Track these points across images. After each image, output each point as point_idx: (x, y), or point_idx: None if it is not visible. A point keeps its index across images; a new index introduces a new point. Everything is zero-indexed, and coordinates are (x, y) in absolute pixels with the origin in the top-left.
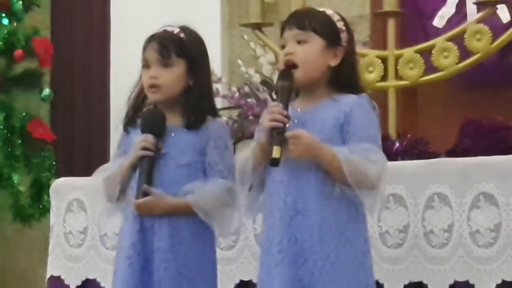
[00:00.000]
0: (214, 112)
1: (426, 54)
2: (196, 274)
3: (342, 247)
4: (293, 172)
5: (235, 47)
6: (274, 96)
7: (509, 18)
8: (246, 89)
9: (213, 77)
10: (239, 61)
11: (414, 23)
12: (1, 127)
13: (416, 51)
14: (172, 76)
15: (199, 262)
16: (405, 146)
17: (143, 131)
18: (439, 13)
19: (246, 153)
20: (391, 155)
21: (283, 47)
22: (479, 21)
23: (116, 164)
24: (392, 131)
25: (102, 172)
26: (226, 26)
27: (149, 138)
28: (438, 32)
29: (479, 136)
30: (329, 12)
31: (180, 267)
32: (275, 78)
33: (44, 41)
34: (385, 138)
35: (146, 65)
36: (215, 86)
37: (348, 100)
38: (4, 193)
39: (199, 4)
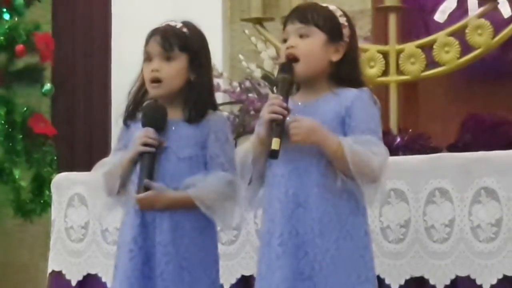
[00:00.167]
0: (215, 107)
1: (427, 49)
2: (198, 267)
3: (343, 240)
4: (294, 165)
5: (236, 42)
6: (275, 89)
7: (510, 13)
8: (247, 84)
9: (214, 72)
10: (240, 56)
11: (416, 18)
12: (2, 122)
13: (418, 46)
14: (174, 70)
15: (200, 255)
16: (406, 141)
17: (144, 125)
18: (441, 8)
19: (246, 146)
20: (393, 150)
21: (285, 41)
22: (481, 16)
23: (116, 158)
24: (393, 126)
25: (102, 167)
26: (227, 21)
27: (151, 133)
28: (439, 27)
29: (481, 131)
30: (331, 7)
31: (182, 260)
32: (276, 73)
33: (45, 36)
34: (387, 133)
35: (148, 58)
36: (216, 81)
37: (349, 93)
38: (5, 188)
39: None
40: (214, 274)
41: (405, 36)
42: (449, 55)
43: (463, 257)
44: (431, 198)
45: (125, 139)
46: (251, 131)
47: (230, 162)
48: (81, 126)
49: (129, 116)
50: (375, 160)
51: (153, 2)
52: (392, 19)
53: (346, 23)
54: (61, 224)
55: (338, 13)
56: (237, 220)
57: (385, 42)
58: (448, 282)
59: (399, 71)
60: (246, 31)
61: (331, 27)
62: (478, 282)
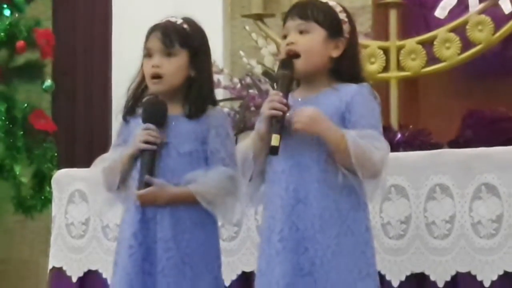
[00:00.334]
0: (214, 103)
1: (428, 45)
2: (200, 263)
3: (343, 236)
4: (294, 161)
5: (236, 38)
6: (275, 86)
7: (511, 9)
8: (248, 80)
9: (215, 68)
10: (241, 52)
11: (416, 14)
12: (3, 118)
13: (418, 42)
14: (174, 66)
15: (202, 251)
16: (407, 137)
17: (144, 121)
18: (441, 4)
19: (246, 143)
20: (393, 146)
21: (285, 37)
22: (481, 12)
23: (116, 154)
24: (394, 122)
25: (102, 162)
26: (227, 17)
27: (152, 130)
28: (440, 23)
29: (481, 127)
30: (331, 3)
31: (183, 256)
32: (276, 69)
33: (46, 32)
34: (387, 129)
35: (148, 54)
36: (217, 77)
37: (349, 89)
38: (6, 184)
39: None
40: (216, 269)
41: (405, 32)
42: (449, 51)
43: (463, 253)
44: (432, 194)
45: (125, 134)
46: (251, 127)
47: (231, 157)
48: (81, 122)
49: (129, 112)
50: (377, 154)
51: None
52: (393, 15)
53: (346, 19)
54: (62, 220)
55: (338, 8)
56: (238, 215)
57: (386, 38)
58: (448, 278)
59: (400, 67)
60: (247, 27)
61: (331, 23)
62: (479, 278)
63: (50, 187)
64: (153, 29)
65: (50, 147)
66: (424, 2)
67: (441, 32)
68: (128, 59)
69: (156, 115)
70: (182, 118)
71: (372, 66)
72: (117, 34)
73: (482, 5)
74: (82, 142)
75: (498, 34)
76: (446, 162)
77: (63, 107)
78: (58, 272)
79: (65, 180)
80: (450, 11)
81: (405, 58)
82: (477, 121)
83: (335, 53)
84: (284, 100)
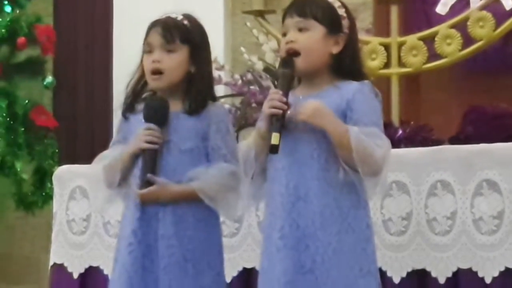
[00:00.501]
0: (214, 100)
1: (429, 41)
2: (202, 259)
3: (344, 233)
4: (295, 158)
5: (237, 34)
6: (276, 84)
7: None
8: (249, 76)
9: (216, 65)
10: (242, 49)
11: (417, 10)
12: (4, 114)
13: (419, 38)
14: (175, 61)
15: (204, 248)
16: (408, 133)
17: (146, 120)
18: (442, 0)
19: (248, 142)
20: (394, 142)
21: (284, 34)
22: (482, 8)
23: (116, 151)
24: (395, 118)
25: (102, 160)
26: (228, 13)
27: (154, 130)
28: (441, 19)
29: (482, 123)
30: None
31: (186, 253)
32: (277, 65)
33: (47, 29)
34: (388, 125)
35: (148, 50)
36: (218, 73)
37: (350, 87)
38: (7, 181)
39: None
40: (219, 266)
41: (407, 28)
42: (451, 47)
43: (465, 249)
44: (433, 190)
45: (124, 131)
46: (252, 124)
47: (232, 153)
48: (82, 118)
49: (128, 108)
50: (379, 151)
51: None
52: (394, 11)
53: (344, 14)
54: (63, 216)
55: (337, 4)
56: (240, 211)
57: (387, 34)
58: (450, 275)
59: (401, 63)
60: (248, 24)
61: (330, 19)
62: (480, 274)
63: (51, 183)
64: (154, 25)
65: (51, 144)
66: None
67: (442, 28)
68: (129, 55)
69: (158, 114)
70: (183, 115)
71: (373, 62)
72: (118, 30)
73: (483, 1)
74: (83, 138)
75: (499, 30)
76: (447, 159)
77: (64, 104)
78: (59, 269)
79: (66, 177)
80: (451, 7)
81: (406, 54)
82: (478, 117)
83: (335, 50)
84: (284, 99)
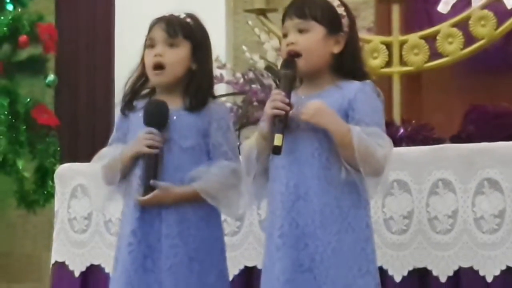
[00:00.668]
0: (214, 98)
1: (430, 40)
2: (206, 257)
3: (344, 233)
4: (295, 157)
5: (239, 33)
6: (278, 84)
7: None
8: (251, 75)
9: (218, 63)
10: (244, 47)
11: (419, 8)
12: (6, 113)
13: (421, 37)
14: (177, 56)
15: (208, 246)
16: (409, 132)
17: (146, 125)
18: None
19: (250, 141)
20: (396, 141)
21: (284, 35)
22: (484, 7)
23: (116, 151)
24: (396, 117)
25: (101, 159)
26: (230, 12)
27: (155, 134)
28: (442, 18)
29: (484, 122)
30: None
31: (190, 251)
32: (279, 64)
33: (48, 27)
34: (390, 124)
35: (151, 44)
36: (219, 71)
37: (352, 86)
38: (8, 179)
39: None
40: (222, 263)
41: (408, 27)
42: (452, 46)
43: (466, 248)
44: (434, 189)
45: (124, 128)
46: (254, 122)
47: (233, 150)
48: (84, 117)
49: (127, 106)
50: (380, 151)
51: None
52: (396, 10)
53: (344, 13)
54: (64, 215)
55: (336, 3)
56: (242, 208)
57: (389, 33)
58: (451, 273)
59: (403, 62)
60: (250, 22)
61: (329, 19)
62: (481, 273)
63: (52, 181)
64: (157, 21)
65: (52, 142)
66: None
67: (443, 27)
68: (131, 53)
69: (158, 118)
70: (183, 112)
71: (374, 61)
72: (120, 29)
73: (484, 0)
74: (85, 136)
75: (500, 29)
76: (449, 157)
77: (66, 102)
78: (61, 267)
79: (67, 175)
80: (453, 6)
81: (408, 53)
82: (480, 116)
83: (336, 49)
84: (287, 100)
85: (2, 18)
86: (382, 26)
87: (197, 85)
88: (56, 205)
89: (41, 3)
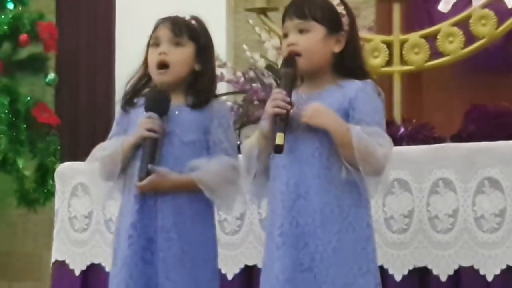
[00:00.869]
0: (216, 97)
1: (431, 39)
2: (199, 252)
3: (344, 232)
4: (296, 156)
5: (240, 31)
6: (279, 82)
7: None
8: (251, 74)
9: (218, 62)
10: (244, 46)
11: (419, 7)
12: (6, 111)
13: (421, 36)
14: (182, 55)
15: (201, 240)
16: (410, 131)
17: (147, 110)
18: None
19: (251, 141)
20: (396, 140)
21: (285, 35)
22: (484, 6)
23: (118, 142)
24: (397, 116)
25: (101, 151)
26: (231, 11)
27: (155, 119)
28: (443, 17)
29: (484, 121)
30: None
31: (184, 245)
32: (280, 63)
33: (49, 26)
34: (390, 123)
35: (155, 43)
36: (220, 70)
37: (353, 85)
38: (9, 178)
39: None
40: (213, 260)
41: (409, 26)
42: (453, 45)
43: (466, 247)
44: (435, 188)
45: (124, 124)
46: (255, 121)
47: (233, 148)
48: (84, 115)
49: (128, 103)
50: (381, 150)
51: None
52: (396, 9)
53: (344, 12)
54: (65, 213)
55: (335, 2)
56: (238, 204)
57: (389, 32)
58: (451, 273)
59: (403, 61)
60: (250, 21)
61: (329, 18)
62: (482, 272)
63: (53, 180)
64: (163, 20)
65: (53, 141)
66: None
67: (444, 26)
68: (131, 52)
69: (158, 104)
70: (185, 108)
71: (375, 60)
72: (121, 28)
73: None
74: (85, 135)
75: (501, 28)
76: (449, 156)
77: (66, 101)
78: (61, 266)
79: (68, 174)
80: (454, 5)
81: (408, 52)
82: (480, 115)
83: (337, 48)
84: (288, 99)
85: (2, 16)
86: (383, 25)
87: (200, 86)
88: (56, 204)
89: (41, 2)
